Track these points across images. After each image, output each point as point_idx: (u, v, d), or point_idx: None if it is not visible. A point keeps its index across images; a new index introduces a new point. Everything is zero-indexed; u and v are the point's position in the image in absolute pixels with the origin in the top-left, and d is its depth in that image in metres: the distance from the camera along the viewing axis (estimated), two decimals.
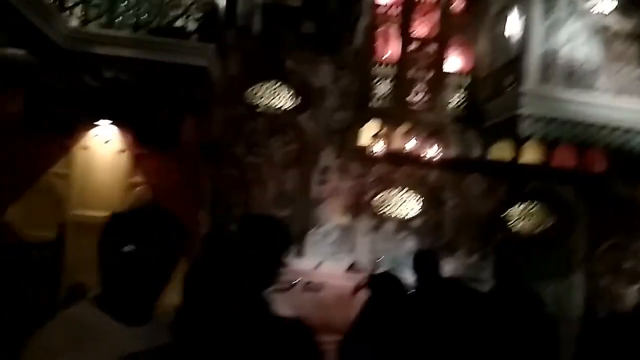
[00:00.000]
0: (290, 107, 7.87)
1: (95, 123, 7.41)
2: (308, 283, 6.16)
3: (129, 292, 1.60)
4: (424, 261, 5.07)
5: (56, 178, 7.02)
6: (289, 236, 2.19)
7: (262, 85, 7.87)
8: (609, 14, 7.44)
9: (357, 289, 6.07)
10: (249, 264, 1.96)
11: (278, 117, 7.86)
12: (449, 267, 7.80)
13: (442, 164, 7.45)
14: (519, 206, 8.15)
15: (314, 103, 7.80)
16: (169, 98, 6.71)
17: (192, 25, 6.28)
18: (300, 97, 7.86)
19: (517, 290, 3.88)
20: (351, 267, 6.97)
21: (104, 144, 7.62)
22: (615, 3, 7.44)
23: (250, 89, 7.85)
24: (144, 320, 1.65)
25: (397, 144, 7.51)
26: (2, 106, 6.63)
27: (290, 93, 7.90)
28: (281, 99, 7.87)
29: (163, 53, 6.02)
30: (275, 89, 7.87)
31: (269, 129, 7.80)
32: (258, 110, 7.81)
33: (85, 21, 6.39)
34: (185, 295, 1.64)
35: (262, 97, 7.90)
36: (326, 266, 7.11)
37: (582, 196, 8.04)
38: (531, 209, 8.19)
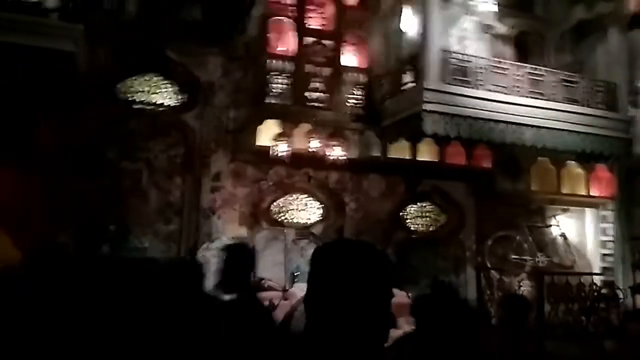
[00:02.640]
0: (174, 105, 6.84)
1: None
2: None
3: None
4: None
5: None
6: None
7: (138, 79, 6.73)
8: (492, 15, 7.72)
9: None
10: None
11: (159, 116, 6.78)
12: None
13: (343, 165, 7.04)
14: (414, 205, 8.13)
15: (202, 100, 6.87)
16: (19, 92, 5.31)
17: (51, 2, 4.97)
18: (185, 93, 6.87)
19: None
20: (255, 285, 6.18)
21: None
22: (496, 6, 7.74)
23: (124, 83, 6.66)
24: None
25: (296, 144, 6.92)
26: None
27: (174, 88, 6.88)
28: (163, 94, 6.81)
29: (13, 33, 4.65)
30: (154, 83, 6.78)
31: (149, 130, 6.68)
32: (135, 107, 6.65)
33: None
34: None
35: (139, 93, 6.76)
36: None
37: (471, 192, 8.28)
38: (425, 207, 8.22)
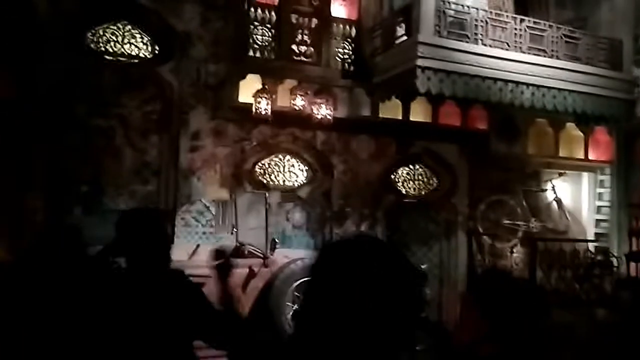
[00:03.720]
0: (148, 56, 6.34)
1: None
2: None
3: None
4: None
5: None
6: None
7: (108, 28, 6.20)
8: None
9: (249, 277, 5.04)
10: None
11: (132, 69, 6.29)
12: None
13: (331, 125, 6.60)
14: (405, 168, 7.79)
15: (178, 52, 6.37)
16: None
17: None
18: (160, 44, 6.36)
19: None
20: (237, 251, 5.87)
21: None
22: None
23: (92, 31, 6.13)
24: None
25: (281, 102, 6.47)
26: None
27: (147, 38, 6.36)
28: (135, 45, 6.30)
29: None
30: (126, 32, 6.26)
31: (122, 84, 6.19)
32: (105, 59, 6.15)
33: None
34: None
35: (109, 43, 6.25)
36: (204, 252, 5.89)
37: (465, 155, 7.93)
38: (417, 170, 7.89)
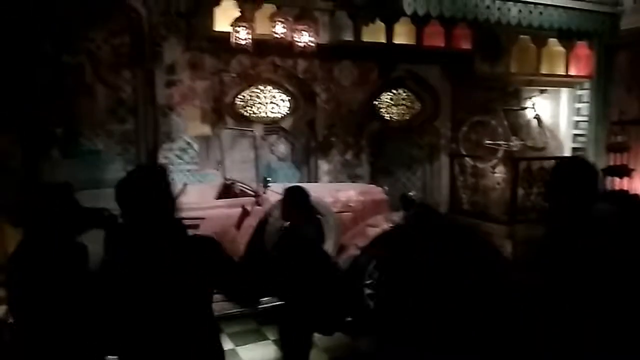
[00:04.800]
0: None
1: None
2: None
3: None
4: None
5: None
6: None
7: None
8: None
9: (243, 216, 5.00)
10: None
11: None
12: (325, 168, 7.18)
13: (312, 52, 6.30)
14: (389, 93, 7.65)
15: None
16: None
17: None
18: None
19: None
20: (225, 189, 5.78)
21: None
22: None
23: None
24: None
25: (259, 29, 6.09)
26: None
27: None
28: None
29: None
30: None
31: (87, 15, 5.72)
32: None
33: None
34: None
35: None
36: (192, 191, 5.79)
37: (448, 76, 7.79)
38: (400, 95, 7.76)
